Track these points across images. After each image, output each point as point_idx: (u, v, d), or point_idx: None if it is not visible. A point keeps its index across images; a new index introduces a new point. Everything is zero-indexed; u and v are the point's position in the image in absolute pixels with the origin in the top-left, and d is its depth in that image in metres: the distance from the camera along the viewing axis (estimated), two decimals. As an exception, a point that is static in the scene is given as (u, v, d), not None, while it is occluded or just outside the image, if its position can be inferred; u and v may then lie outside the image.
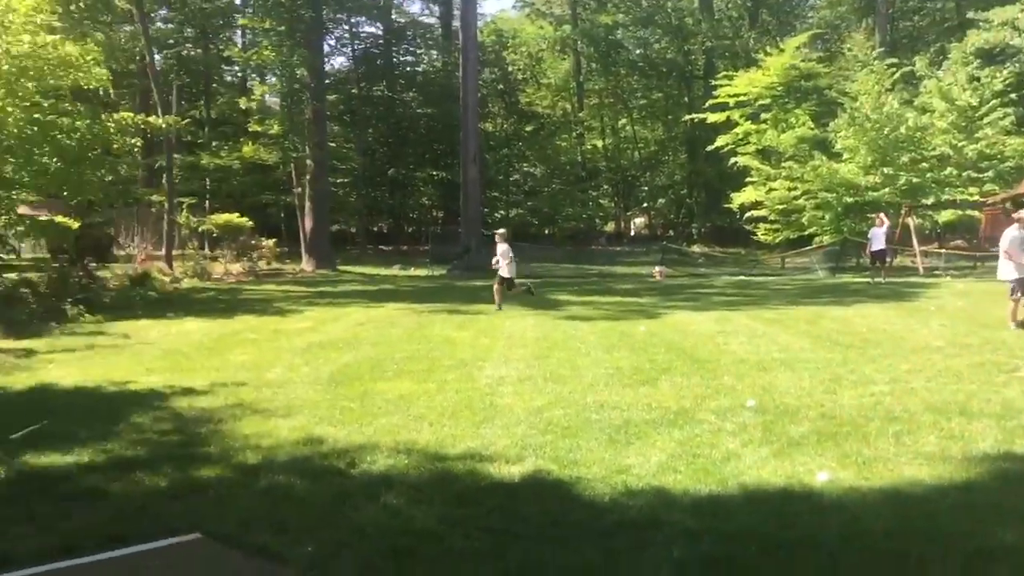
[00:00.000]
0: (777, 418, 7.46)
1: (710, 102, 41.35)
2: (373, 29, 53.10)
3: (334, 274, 31.77)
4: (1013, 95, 33.64)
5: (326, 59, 45.07)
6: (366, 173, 48.41)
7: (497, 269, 18.26)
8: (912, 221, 30.45)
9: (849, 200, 33.45)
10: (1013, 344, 11.47)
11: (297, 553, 4.44)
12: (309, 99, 36.06)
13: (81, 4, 27.19)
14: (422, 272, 33.18)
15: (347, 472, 5.90)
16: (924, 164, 33.16)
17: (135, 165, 30.08)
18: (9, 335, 13.09)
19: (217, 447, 6.59)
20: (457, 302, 19.97)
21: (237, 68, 48.55)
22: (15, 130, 16.93)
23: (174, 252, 29.73)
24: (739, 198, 39.04)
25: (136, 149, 25.69)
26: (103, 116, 19.81)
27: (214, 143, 42.31)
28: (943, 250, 32.45)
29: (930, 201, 32.24)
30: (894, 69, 35.75)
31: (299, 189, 36.45)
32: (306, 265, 33.50)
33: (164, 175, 32.00)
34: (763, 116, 39.31)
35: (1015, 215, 14.38)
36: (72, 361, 10.94)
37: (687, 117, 47.86)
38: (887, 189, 32.32)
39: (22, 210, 20.49)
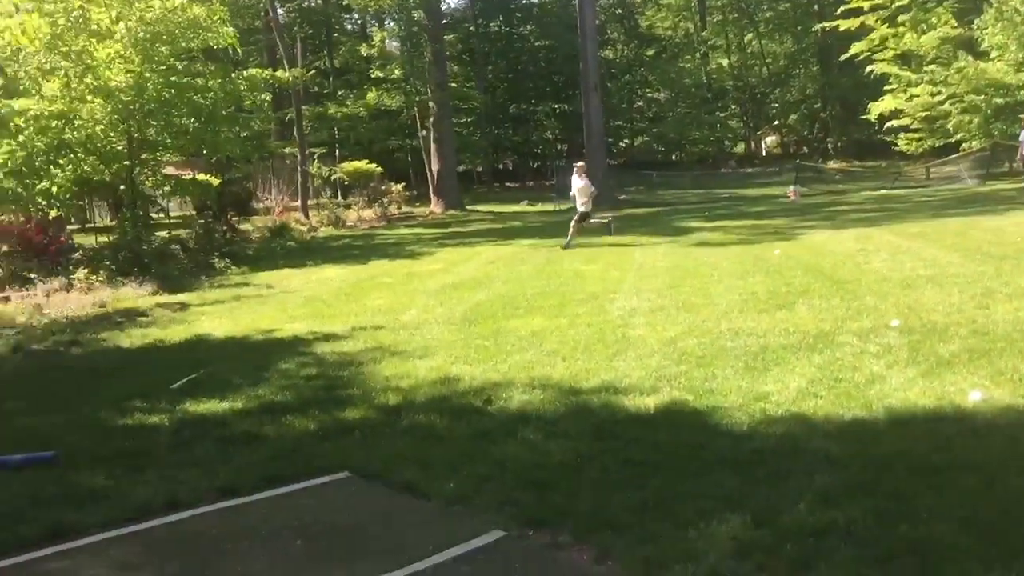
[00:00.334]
0: (924, 337, 7.15)
1: (843, 8, 39.00)
2: (487, -36, 52.58)
3: (462, 214, 32.14)
4: None
5: (442, -1, 44.97)
6: (488, 111, 48.40)
7: (579, 205, 17.65)
8: (1070, 119, 28.25)
9: (999, 101, 31.21)
10: None
11: (440, 489, 4.57)
12: (428, 41, 36.12)
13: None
14: (548, 207, 33.14)
15: (484, 409, 6.02)
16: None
17: (267, 119, 30.99)
18: (164, 290, 13.86)
19: (360, 389, 6.84)
20: (585, 235, 19.88)
21: (356, 16, 49.12)
22: (154, 94, 17.68)
23: (309, 202, 30.65)
24: (877, 108, 37.04)
25: (266, 104, 26.41)
26: (233, 74, 20.44)
27: (339, 92, 43.13)
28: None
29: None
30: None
31: (424, 132, 36.82)
32: (435, 207, 33.97)
33: (294, 127, 32.88)
34: (901, 18, 36.85)
35: None
36: (222, 312, 11.51)
37: (818, 26, 45.47)
38: (1041, 87, 30.04)
39: (167, 170, 21.52)
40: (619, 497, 4.28)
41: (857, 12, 38.37)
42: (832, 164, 43.02)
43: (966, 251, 12.10)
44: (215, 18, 18.60)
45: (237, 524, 4.34)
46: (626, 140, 54.86)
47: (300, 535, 4.16)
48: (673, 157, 52.34)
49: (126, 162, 18.34)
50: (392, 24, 41.54)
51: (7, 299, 13.21)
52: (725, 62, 56.58)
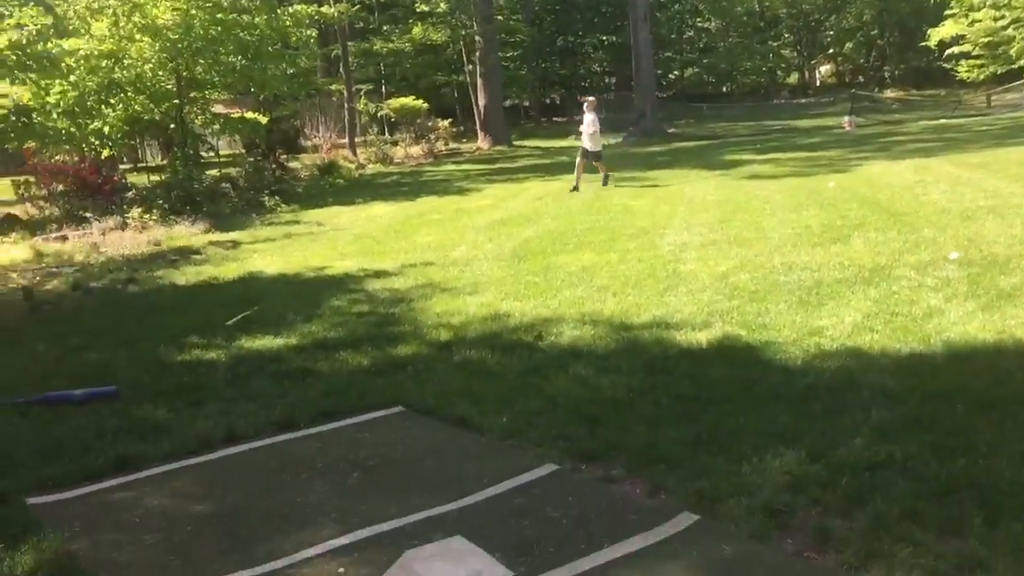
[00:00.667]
0: (985, 270, 6.99)
1: (902, -71, 37.61)
2: None
3: (510, 150, 31.93)
4: None
5: (487, -71, 44.04)
6: (535, 44, 47.66)
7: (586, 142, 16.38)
8: None
9: (1066, 25, 30.03)
10: None
11: (493, 423, 4.61)
12: (473, -28, 35.54)
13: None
14: (597, 141, 32.75)
15: (535, 345, 6.03)
16: None
17: (313, 56, 30.89)
18: (216, 228, 14.04)
19: (411, 326, 6.89)
20: (634, 169, 19.66)
21: (401, -52, 48.38)
22: (201, 31, 17.72)
23: (356, 139, 30.66)
24: (937, 34, 35.84)
25: (312, 40, 26.30)
26: (279, 10, 20.36)
27: (384, 27, 42.71)
28: None
29: None
30: None
31: (470, 67, 36.44)
32: (482, 143, 33.77)
33: (340, 64, 32.79)
34: (963, -62, 35.46)
35: None
36: (273, 250, 11.63)
37: (875, -51, 43.88)
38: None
39: (216, 109, 21.64)
40: (672, 432, 4.28)
41: (918, -67, 36.85)
42: (889, 93, 41.81)
43: (1029, 182, 11.74)
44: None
45: (294, 457, 4.42)
46: (676, 72, 53.76)
47: (356, 467, 4.23)
48: (724, 89, 51.28)
49: (175, 101, 18.48)
50: (437, -44, 40.89)
51: (65, 238, 13.49)
52: (778, -11, 54.87)
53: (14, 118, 16.49)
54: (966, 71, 35.30)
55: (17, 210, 16.69)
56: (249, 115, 21.95)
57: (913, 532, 3.17)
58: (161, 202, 15.75)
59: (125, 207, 15.49)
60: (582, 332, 6.23)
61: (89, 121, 17.58)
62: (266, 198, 17.08)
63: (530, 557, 3.26)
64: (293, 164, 24.36)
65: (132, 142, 26.69)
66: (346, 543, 3.47)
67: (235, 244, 12.43)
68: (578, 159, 16.41)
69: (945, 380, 4.67)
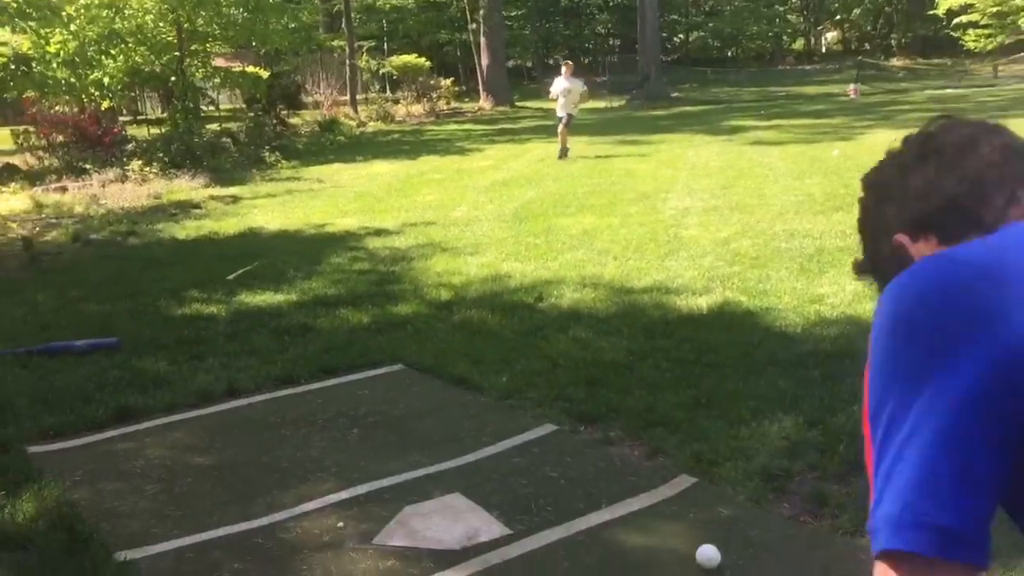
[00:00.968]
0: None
1: None
2: None
3: (512, 110, 31.71)
4: None
5: None
6: (539, 4, 47.19)
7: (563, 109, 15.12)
8: None
9: (1076, -5, 29.73)
10: None
11: (492, 383, 4.63)
12: (478, -72, 35.10)
13: None
14: (600, 104, 32.57)
15: (535, 306, 6.04)
16: None
17: (314, 11, 30.65)
18: (216, 182, 13.98)
19: (411, 284, 6.89)
20: (637, 133, 19.56)
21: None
22: (202, -17, 17.53)
23: (357, 97, 30.44)
24: (945, 2, 35.42)
25: (314, -6, 26.11)
26: (281, -36, 20.14)
27: (388, -18, 42.30)
28: None
29: None
30: None
31: (474, 25, 36.09)
32: (484, 103, 33.54)
33: (343, 19, 32.47)
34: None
35: None
36: (273, 206, 11.59)
37: (886, -86, 43.31)
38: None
39: (217, 63, 21.46)
40: (671, 395, 4.30)
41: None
42: (895, 61, 41.53)
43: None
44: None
45: (294, 412, 4.44)
46: (680, 35, 53.24)
47: (356, 424, 4.25)
48: (729, 53, 50.83)
49: (176, 53, 18.31)
50: (441, -90, 40.34)
51: (64, 189, 13.43)
52: (787, -48, 54.23)
53: (14, 66, 16.36)
54: (974, 41, 34.98)
55: (16, 160, 16.59)
56: (250, 69, 21.77)
57: (908, 499, 3.19)
58: (161, 155, 15.66)
59: (125, 159, 15.40)
60: (583, 295, 6.23)
61: (89, 71, 17.44)
62: (267, 153, 16.98)
63: (528, 516, 3.29)
64: (294, 120, 24.20)
65: (132, 94, 26.51)
66: (345, 498, 3.50)
67: (235, 199, 12.39)
68: (560, 127, 15.19)
69: (944, 350, 4.68)
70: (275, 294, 6.70)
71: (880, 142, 11.96)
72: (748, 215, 8.78)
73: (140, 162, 14.93)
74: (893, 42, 48.44)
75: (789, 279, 6.31)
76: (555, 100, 15.26)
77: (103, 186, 13.50)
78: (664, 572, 2.91)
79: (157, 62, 18.50)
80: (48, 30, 15.64)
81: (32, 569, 3.01)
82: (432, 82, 32.06)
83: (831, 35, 57.61)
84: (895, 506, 0.86)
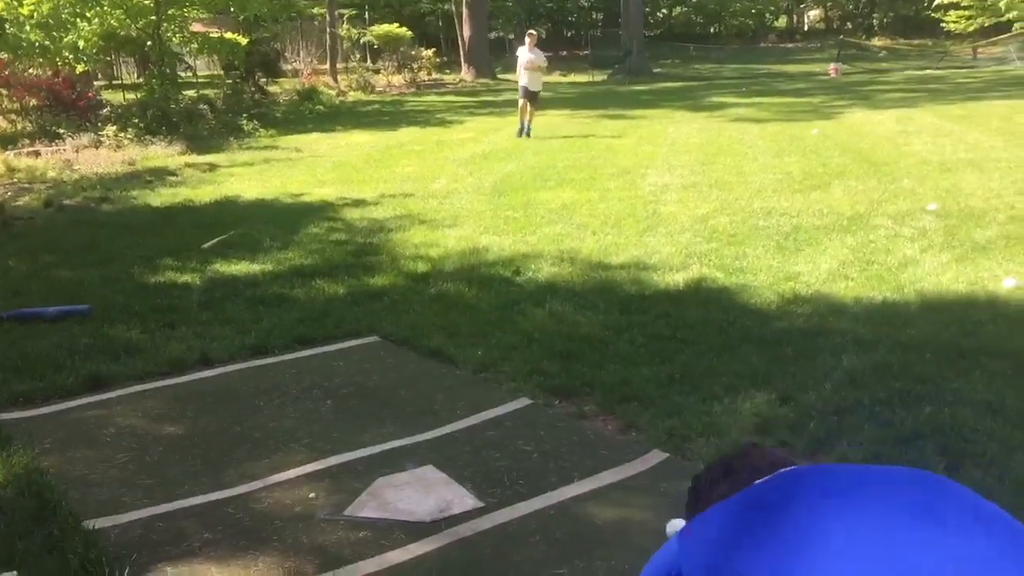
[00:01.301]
0: (961, 222, 7.04)
1: None
2: None
3: (494, 82, 31.49)
4: None
5: None
6: (522, -25, 46.81)
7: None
8: None
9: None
10: None
11: (468, 356, 4.62)
12: None
13: None
14: (582, 78, 32.42)
15: (513, 280, 6.03)
16: None
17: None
18: (192, 150, 13.81)
19: (388, 256, 6.86)
20: (618, 108, 19.52)
21: None
22: (180, -54, 17.23)
23: (338, 66, 30.14)
24: (928, -17, 35.48)
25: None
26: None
27: (370, -50, 41.76)
28: None
29: None
30: None
31: (456, -4, 35.79)
32: (465, 75, 33.29)
33: (324, -13, 32.07)
34: None
35: None
36: (251, 174, 11.48)
37: None
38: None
39: (195, 28, 21.14)
40: (645, 371, 4.31)
41: None
42: (877, 41, 41.58)
43: (1010, 135, 11.78)
44: None
45: (268, 382, 4.42)
46: (663, 10, 52.96)
47: (329, 395, 4.24)
48: (712, 30, 50.68)
49: (152, 17, 18.01)
50: None
51: (37, 154, 13.23)
52: (771, -71, 54.01)
53: (-14, 28, 16.05)
54: (954, 22, 35.10)
55: (-12, 123, 16.32)
56: (228, 36, 21.47)
57: (877, 476, 3.22)
58: (136, 121, 15.44)
59: (99, 125, 15.17)
60: (560, 269, 6.23)
61: (63, 34, 17.12)
62: (244, 121, 16.78)
63: (500, 489, 3.30)
64: (272, 88, 23.94)
65: (108, 58, 26.12)
66: (318, 469, 3.50)
67: (212, 167, 12.26)
68: (520, 101, 14.63)
69: (916, 329, 4.73)
70: (251, 263, 6.65)
71: (858, 122, 12.09)
72: (727, 192, 8.79)
73: (115, 128, 14.71)
74: (875, 22, 48.54)
75: (765, 257, 6.33)
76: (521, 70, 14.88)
77: (77, 151, 13.31)
78: (635, 545, 2.93)
79: (133, 26, 18.18)
80: (21, -9, 15.34)
81: (-1, 536, 2.99)
82: (413, 52, 31.77)
83: (814, 13, 57.60)
84: None
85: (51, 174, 11.57)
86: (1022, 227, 6.78)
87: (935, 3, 35.82)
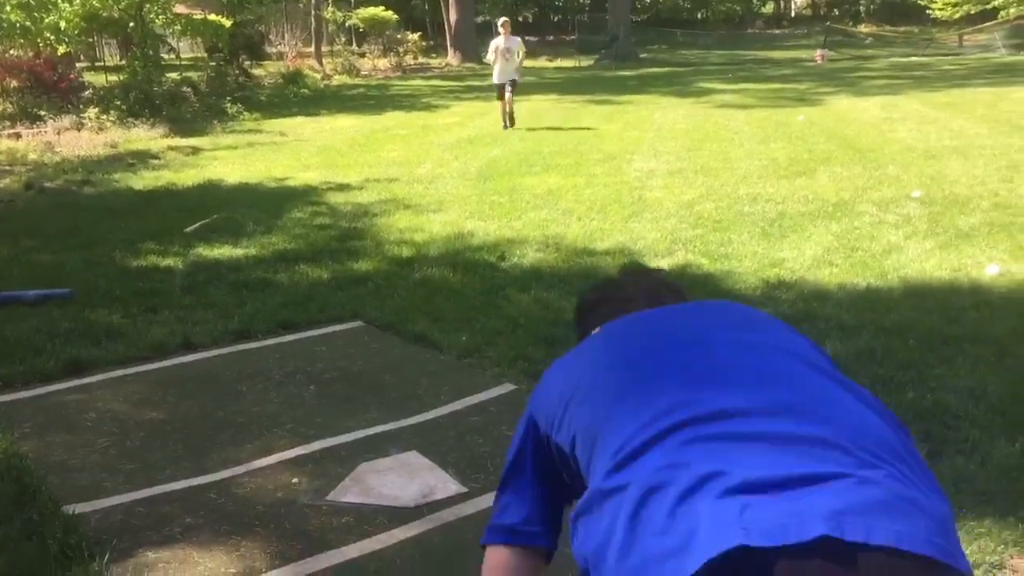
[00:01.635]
0: (945, 209, 7.06)
1: None
2: None
3: (480, 67, 31.32)
4: None
5: None
6: (509, -41, 46.56)
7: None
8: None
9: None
10: None
11: (452, 341, 4.61)
12: None
13: None
14: (569, 63, 32.34)
15: (498, 265, 6.01)
16: None
17: (280, -40, 29.96)
18: (175, 133, 13.71)
19: (373, 241, 6.82)
20: (604, 93, 19.47)
21: None
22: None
23: (323, 49, 29.94)
24: (914, -31, 35.55)
25: (280, -58, 25.48)
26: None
27: (355, -67, 41.43)
28: None
29: None
30: None
31: (442, -21, 35.58)
32: (451, 59, 33.15)
33: (308, -31, 31.81)
34: None
35: None
36: (234, 158, 11.40)
37: None
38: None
39: (178, 9, 20.90)
40: (629, 356, 4.30)
41: None
42: (863, 28, 41.64)
43: (995, 123, 11.82)
44: None
45: (251, 367, 4.40)
46: (651, -4, 52.97)
47: (313, 380, 4.22)
48: (699, 16, 50.63)
49: (135, -2, 17.79)
50: None
51: (18, 136, 13.10)
52: (759, -86, 53.98)
53: (-35, 8, 15.81)
54: (941, 9, 35.18)
55: (-32, 105, 16.12)
56: (212, 18, 21.25)
57: (859, 461, 3.23)
58: (119, 103, 15.30)
59: (81, 107, 15.03)
60: (545, 255, 6.22)
61: (45, 15, 16.90)
62: (228, 105, 16.65)
63: (484, 474, 3.29)
64: (257, 71, 23.75)
65: (90, 40, 25.83)
66: (301, 454, 3.48)
67: (195, 150, 12.16)
68: (508, 94, 13.47)
69: (900, 315, 4.74)
70: (234, 248, 6.60)
71: (845, 108, 12.09)
72: (712, 178, 8.78)
73: (97, 110, 14.59)
74: (862, 8, 48.59)
75: (751, 243, 6.33)
76: (492, 63, 13.77)
77: (58, 134, 13.19)
78: (617, 531, 2.93)
79: (115, 7, 17.96)
80: (1, -29, 15.14)
81: (-22, 522, 2.95)
82: (399, 36, 31.61)
83: (801, 0, 57.63)
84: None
85: (32, 156, 11.46)
86: (1006, 214, 6.80)
87: (921, -10, 35.91)
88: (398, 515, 3.02)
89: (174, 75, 20.04)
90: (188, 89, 18.25)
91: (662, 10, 51.09)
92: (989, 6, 32.05)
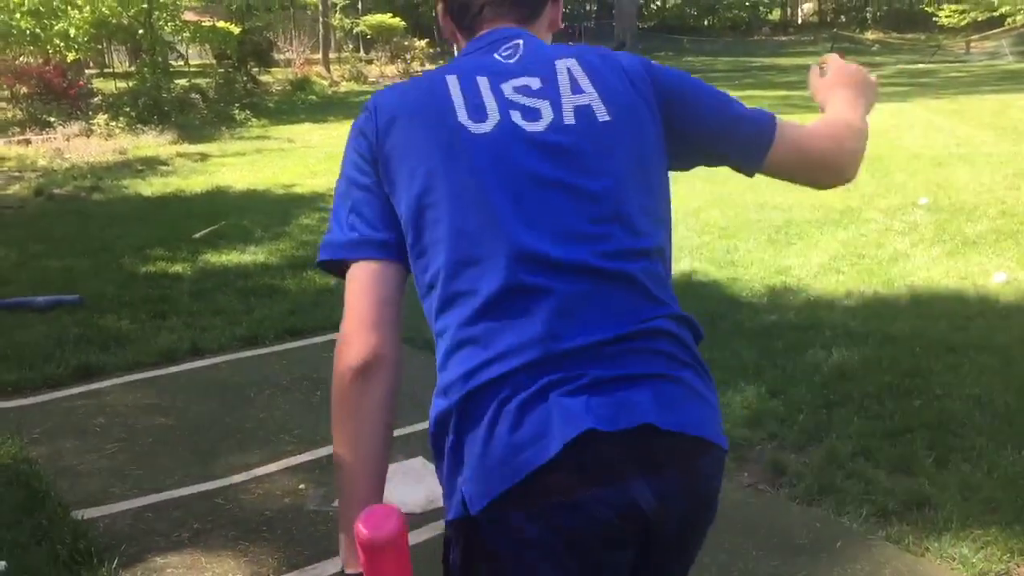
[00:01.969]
0: (952, 216, 7.06)
1: None
2: None
3: (487, 74, 31.42)
4: None
5: None
6: (516, -34, 46.60)
7: None
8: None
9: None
10: None
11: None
12: None
13: None
14: (575, 69, 32.33)
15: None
16: None
17: (288, -33, 30.09)
18: (184, 139, 13.77)
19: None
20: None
21: None
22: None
23: (330, 56, 30.04)
24: (921, -23, 35.52)
25: (288, -51, 25.61)
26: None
27: (363, -60, 41.57)
28: None
29: None
30: None
31: (449, -14, 35.66)
32: (459, 65, 33.17)
33: (316, -24, 31.93)
34: None
35: None
36: (242, 164, 11.44)
37: None
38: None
39: (187, 16, 21.03)
40: (635, 363, 4.31)
41: None
42: (870, 35, 41.62)
43: (1002, 130, 11.81)
44: None
45: (258, 373, 4.42)
46: (657, 3, 52.99)
47: (320, 386, 4.23)
48: (705, 22, 50.64)
49: (144, 5, 17.90)
50: None
51: (28, 142, 13.17)
52: (766, -79, 53.95)
53: (-24, 15, 15.94)
54: (948, 16, 35.16)
55: (-22, 111, 16.24)
56: (221, 25, 21.37)
57: (865, 469, 3.24)
58: (128, 110, 15.38)
59: (90, 113, 15.11)
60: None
61: (54, 22, 17.03)
62: (236, 111, 16.73)
63: (490, 480, 3.30)
64: (265, 78, 23.84)
65: (99, 46, 25.94)
66: (308, 460, 3.50)
67: (203, 156, 12.22)
68: None
69: (906, 323, 4.75)
70: (241, 254, 6.63)
71: (851, 115, 11.81)
72: (719, 186, 8.78)
73: (106, 116, 14.66)
74: (868, 16, 48.53)
75: (757, 250, 6.34)
76: None
77: (67, 140, 13.26)
78: (623, 538, 2.94)
79: (125, 14, 18.08)
80: (12, -22, 15.26)
81: (-12, 526, 2.98)
82: (406, 43, 31.67)
83: (807, 6, 57.59)
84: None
85: (41, 163, 11.52)
86: (1012, 222, 6.80)
87: (928, -3, 35.89)
88: (405, 521, 3.02)
89: (183, 82, 20.15)
90: (197, 96, 18.34)
91: (668, 17, 51.13)
92: (996, 13, 31.98)
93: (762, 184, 8.71)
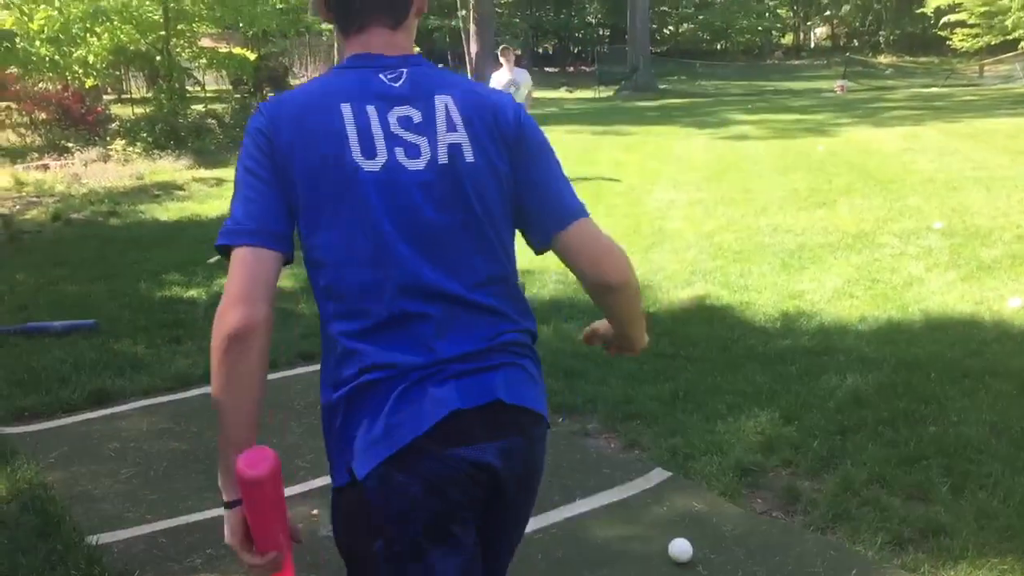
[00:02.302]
0: (967, 240, 7.03)
1: None
2: None
3: (500, 98, 31.57)
4: None
5: None
6: (530, -9, 47.02)
7: None
8: None
9: (1064, -3, 29.88)
10: None
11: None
12: (470, -87, 34.87)
13: None
14: (588, 94, 32.52)
15: (517, 296, 6.02)
16: None
17: (304, -7, 30.34)
18: (200, 164, 13.88)
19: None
20: (624, 124, 19.55)
21: None
22: (189, -38, 17.35)
23: (345, 80, 30.23)
24: (934, 1, 35.54)
25: (303, -24, 25.79)
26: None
27: (378, -33, 41.90)
28: None
29: None
30: None
31: (463, 12, 35.94)
32: (472, 90, 33.34)
33: (332, 2, 32.20)
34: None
35: None
36: (258, 189, 11.49)
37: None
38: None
39: (204, 42, 21.25)
40: (649, 388, 4.31)
41: None
42: (883, 58, 41.65)
43: (1017, 153, 11.78)
44: None
45: (272, 398, 4.38)
46: (670, 27, 53.15)
47: (334, 411, 4.24)
48: (718, 47, 50.80)
49: (162, 32, 18.12)
50: None
51: (46, 167, 13.31)
52: (778, -54, 54.19)
53: (-4, 42, 16.14)
54: (961, 40, 35.14)
55: (-3, 137, 16.43)
56: (237, 51, 21.58)
57: (880, 496, 3.22)
58: (145, 135, 15.51)
59: (108, 139, 15.26)
60: (565, 286, 6.23)
61: (73, 49, 17.25)
62: (252, 136, 16.83)
63: (503, 506, 3.30)
64: (280, 103, 23.98)
65: (117, 73, 26.25)
66: (321, 485, 3.49)
67: (219, 181, 12.31)
68: None
69: (921, 348, 4.72)
70: (256, 278, 6.65)
71: (865, 139, 12.05)
72: (732, 209, 8.80)
73: (123, 142, 14.80)
74: (881, 39, 48.57)
75: (770, 274, 6.34)
76: None
77: (85, 165, 13.39)
78: (636, 565, 2.93)
79: (143, 41, 18.29)
80: (32, 6, 15.46)
81: (2, 551, 2.99)
82: (420, 68, 31.89)
83: (820, 31, 57.73)
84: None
85: (59, 188, 11.64)
86: (1028, 246, 6.77)
87: (941, 21, 35.86)
88: (417, 547, 3.02)
89: (199, 107, 20.34)
90: (213, 121, 18.49)
91: (682, 41, 51.32)
92: (1010, 37, 31.96)
93: (775, 207, 8.73)
